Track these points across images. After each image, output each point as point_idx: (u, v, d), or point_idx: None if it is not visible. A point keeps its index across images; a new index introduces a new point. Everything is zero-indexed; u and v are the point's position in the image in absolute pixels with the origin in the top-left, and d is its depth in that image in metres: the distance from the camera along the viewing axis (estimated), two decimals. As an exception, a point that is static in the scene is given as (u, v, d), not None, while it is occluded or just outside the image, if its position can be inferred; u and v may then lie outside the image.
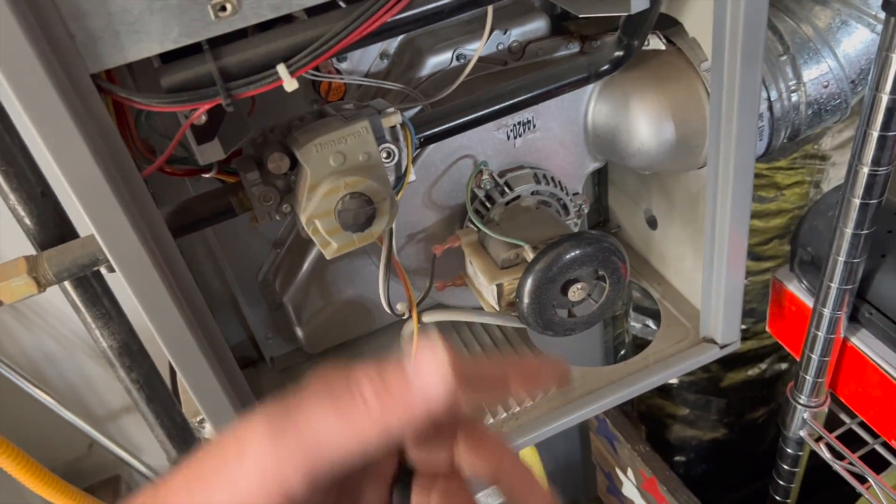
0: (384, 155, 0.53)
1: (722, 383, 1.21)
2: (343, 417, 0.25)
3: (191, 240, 0.72)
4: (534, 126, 0.67)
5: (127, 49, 0.40)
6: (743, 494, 1.35)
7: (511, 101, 0.60)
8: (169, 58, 0.43)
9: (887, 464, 0.73)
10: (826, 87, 0.62)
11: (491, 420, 0.71)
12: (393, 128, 0.54)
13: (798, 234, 0.70)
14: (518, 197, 0.67)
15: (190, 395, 0.55)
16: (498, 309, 0.64)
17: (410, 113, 0.62)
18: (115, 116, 0.44)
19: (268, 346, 0.81)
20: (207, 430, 0.65)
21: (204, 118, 0.44)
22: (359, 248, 0.71)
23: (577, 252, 0.59)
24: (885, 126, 0.52)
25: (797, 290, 0.73)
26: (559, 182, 0.69)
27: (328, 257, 0.52)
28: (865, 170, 0.55)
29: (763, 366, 1.21)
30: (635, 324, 1.12)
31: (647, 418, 1.25)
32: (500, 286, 0.62)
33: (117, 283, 0.49)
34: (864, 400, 0.70)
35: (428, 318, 0.64)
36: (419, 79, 0.65)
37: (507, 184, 0.67)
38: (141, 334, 0.60)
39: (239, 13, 0.41)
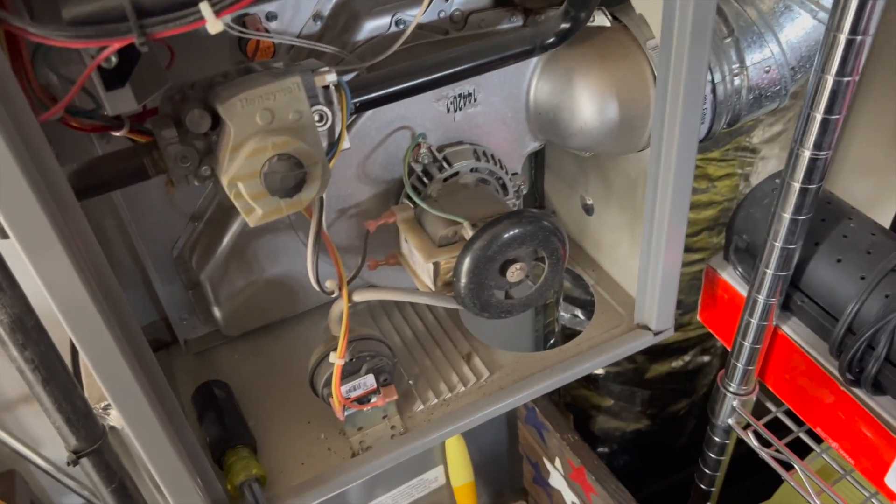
0: (317, 117, 0.49)
1: (647, 374, 1.22)
2: None
3: (99, 209, 0.66)
4: (475, 100, 0.64)
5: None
6: (663, 486, 1.37)
7: (452, 70, 0.57)
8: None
9: (810, 450, 0.74)
10: (768, 72, 0.62)
11: (422, 406, 0.68)
12: (326, 88, 0.50)
13: (734, 222, 0.70)
14: (457, 173, 0.64)
15: (94, 379, 0.49)
16: (433, 289, 0.61)
17: (346, 78, 0.58)
18: (7, 51, 0.38)
19: (182, 328, 0.75)
20: (113, 416, 0.60)
21: (114, 59, 0.39)
22: (285, 223, 0.68)
23: (518, 230, 0.57)
24: (829, 109, 0.52)
25: (731, 277, 0.73)
26: (499, 160, 0.66)
27: (252, 224, 0.47)
28: (807, 153, 0.54)
29: (686, 358, 1.23)
30: (564, 314, 1.11)
31: (572, 409, 1.25)
32: (436, 265, 0.59)
33: (11, 250, 0.43)
34: (791, 388, 0.70)
35: (359, 296, 0.60)
36: (355, 43, 0.61)
37: (445, 159, 0.64)
38: (38, 309, 0.54)
39: (157, -59, 0.37)
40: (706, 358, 1.25)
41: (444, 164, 0.63)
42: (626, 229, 0.75)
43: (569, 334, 1.13)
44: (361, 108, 0.56)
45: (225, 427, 0.65)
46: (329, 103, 0.50)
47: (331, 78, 0.48)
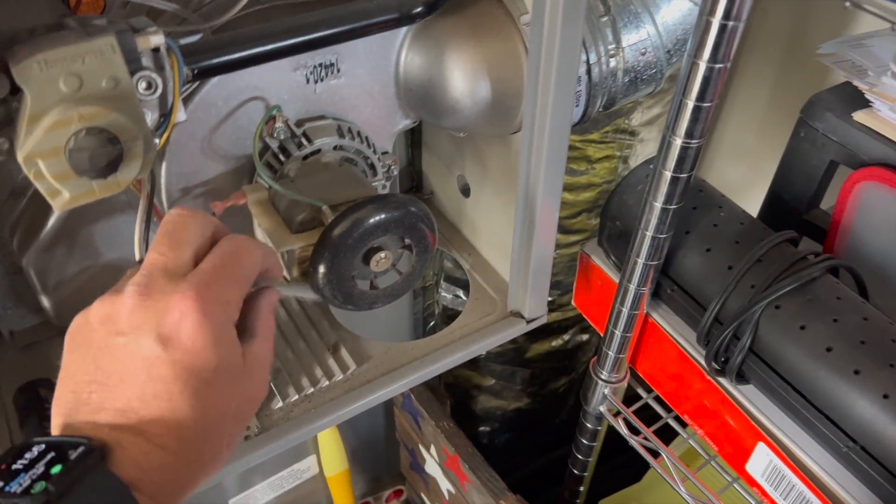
0: (143, 86, 0.43)
1: (527, 354, 1.22)
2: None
3: None
4: (338, 70, 0.58)
5: None
6: (543, 463, 1.39)
7: (308, 37, 0.51)
8: None
9: (677, 435, 0.74)
10: (644, 54, 0.60)
11: (280, 403, 0.63)
12: (156, 52, 0.43)
13: (608, 208, 0.68)
14: (318, 151, 0.59)
15: None
16: (289, 279, 0.55)
17: (186, 41, 0.51)
18: None
19: (6, 318, 0.66)
20: None
21: None
22: (121, 201, 0.60)
23: (382, 216, 0.52)
24: (701, 96, 0.50)
25: (604, 264, 0.71)
26: (366, 138, 0.61)
27: (57, 209, 0.40)
28: (678, 141, 0.53)
29: (566, 337, 1.24)
30: (446, 294, 1.08)
31: (453, 389, 1.23)
32: (290, 252, 0.53)
33: None
34: (660, 376, 0.70)
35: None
36: (200, 1, 0.54)
37: (305, 135, 0.58)
38: None
39: None
40: (585, 336, 1.26)
41: (304, 141, 0.58)
42: (502, 212, 0.72)
43: (451, 315, 1.10)
44: (203, 75, 0.49)
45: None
46: (160, 69, 0.44)
47: (157, 39, 0.42)
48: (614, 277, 0.70)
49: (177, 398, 0.35)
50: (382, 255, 0.54)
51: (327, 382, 0.65)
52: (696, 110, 0.51)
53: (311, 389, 0.64)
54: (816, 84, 0.84)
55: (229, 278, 0.38)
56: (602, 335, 0.75)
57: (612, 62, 0.59)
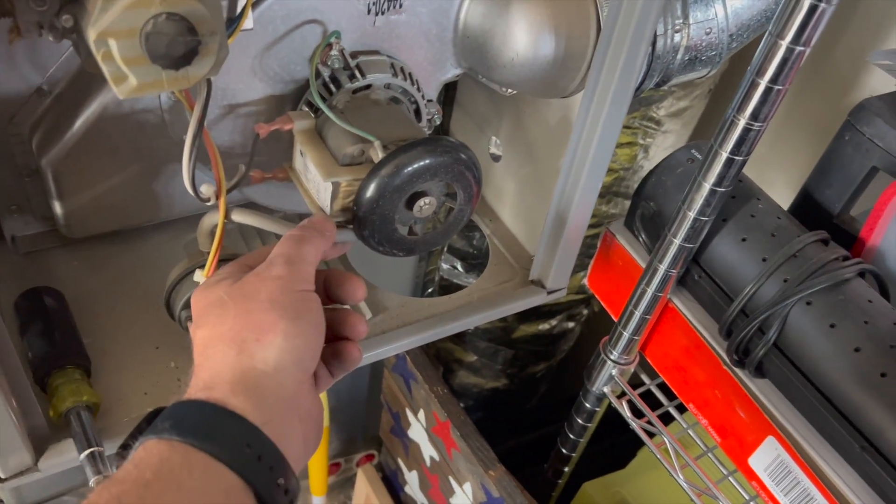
0: (219, -18, 0.40)
1: (514, 334, 1.21)
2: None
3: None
4: (400, 5, 0.56)
5: None
6: (511, 446, 1.39)
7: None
8: None
9: (674, 425, 0.74)
10: (708, 33, 0.59)
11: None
12: (235, -52, 0.40)
13: (643, 188, 0.68)
14: (369, 87, 0.57)
15: None
16: (328, 213, 0.53)
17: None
18: None
19: (10, 221, 0.63)
20: None
21: None
22: (155, 113, 0.57)
23: (433, 160, 0.50)
24: (775, 78, 0.49)
25: (629, 244, 0.70)
26: (416, 80, 0.59)
27: (122, 96, 0.38)
28: (742, 122, 0.52)
29: (553, 322, 1.23)
30: (444, 264, 1.07)
31: (436, 361, 1.22)
32: (336, 185, 0.51)
33: None
34: (670, 362, 0.70)
35: (239, 216, 0.51)
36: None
37: (359, 67, 0.56)
38: None
39: None
40: (571, 324, 1.25)
41: (357, 74, 0.56)
42: (533, 180, 0.70)
43: (445, 286, 1.09)
44: (271, -15, 0.47)
45: (53, 343, 0.54)
46: (235, -33, 0.41)
47: (245, -68, 0.39)
48: (639, 259, 0.70)
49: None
50: (426, 200, 0.53)
51: (342, 328, 0.63)
52: (767, 91, 0.50)
53: (326, 333, 0.62)
54: (835, 95, 0.84)
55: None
56: (614, 316, 0.74)
57: (677, 37, 0.58)
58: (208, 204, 0.49)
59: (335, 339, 0.49)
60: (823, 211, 0.68)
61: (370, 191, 0.50)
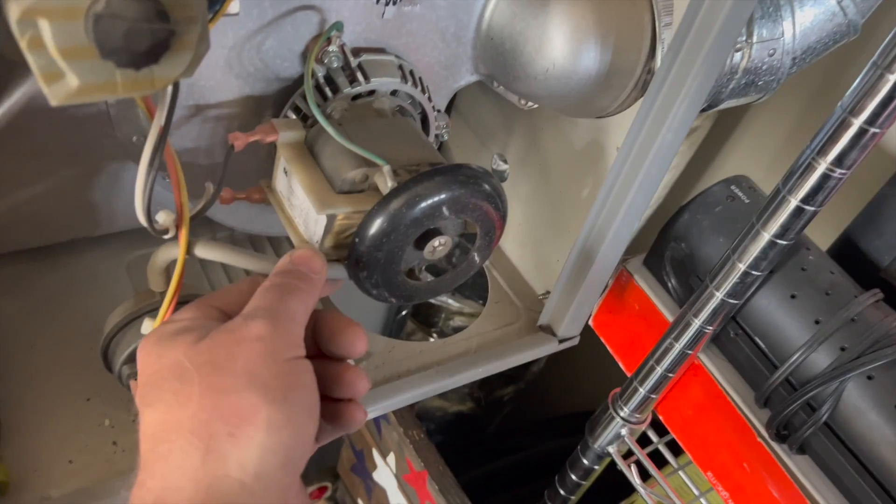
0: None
1: (485, 357, 1.12)
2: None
3: None
4: (417, -4, 0.45)
5: None
6: (473, 475, 1.30)
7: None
8: None
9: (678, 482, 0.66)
10: (771, 55, 0.50)
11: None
12: None
13: (672, 227, 0.59)
14: (373, 92, 0.46)
15: None
16: (318, 249, 0.42)
17: None
18: None
19: None
20: None
21: None
22: (99, 108, 0.45)
23: (455, 193, 0.40)
24: (873, 119, 0.41)
25: (649, 287, 0.62)
26: (427, 88, 0.49)
27: (54, 103, 0.26)
28: (823, 167, 0.44)
29: (526, 345, 1.15)
30: (420, 282, 0.96)
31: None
32: (331, 217, 0.40)
33: None
34: (688, 424, 0.61)
35: (203, 252, 0.39)
36: None
37: (361, 68, 0.45)
38: None
39: None
40: (543, 346, 1.17)
41: (359, 76, 0.45)
42: (547, 209, 0.61)
43: (423, 309, 0.99)
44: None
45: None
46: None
47: None
48: (660, 305, 0.61)
49: None
50: (441, 240, 0.42)
51: (318, 379, 0.52)
52: (861, 134, 0.42)
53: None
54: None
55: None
56: (620, 362, 0.66)
57: (737, 56, 0.49)
58: (166, 237, 0.38)
59: (326, 398, 0.38)
60: (868, 262, 0.60)
61: (376, 227, 0.39)
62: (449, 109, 0.69)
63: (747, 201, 0.58)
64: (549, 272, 0.61)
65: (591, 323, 0.71)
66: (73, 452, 0.45)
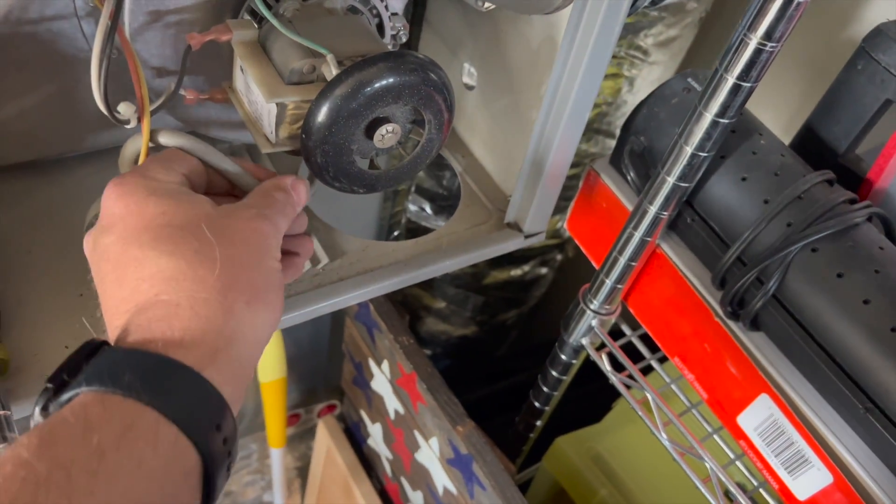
0: None
1: (484, 280, 1.16)
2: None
3: None
4: None
5: None
6: (479, 395, 1.35)
7: None
8: None
9: (655, 378, 0.69)
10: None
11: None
12: None
13: (632, 121, 0.61)
14: (322, -8, 0.48)
15: None
16: (273, 141, 0.46)
17: None
18: None
19: None
20: None
21: None
22: (69, 21, 0.48)
23: (398, 79, 0.43)
24: (792, -6, 0.42)
25: (615, 184, 0.64)
26: (379, -11, 0.51)
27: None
28: (754, 42, 0.45)
29: (526, 268, 1.18)
30: (412, 205, 1.00)
31: (400, 308, 1.16)
32: (281, 106, 0.43)
33: None
34: (655, 313, 0.64)
35: (166, 139, 0.43)
36: None
37: (309, -32, 0.47)
38: None
39: None
40: (543, 270, 1.20)
41: (308, -24, 0.47)
42: (512, 111, 0.63)
43: (413, 229, 1.02)
44: None
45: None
46: None
47: None
48: (625, 200, 0.63)
49: None
50: (389, 128, 0.45)
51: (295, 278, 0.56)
52: (786, 5, 0.43)
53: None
54: (834, 28, 0.78)
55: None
56: (595, 263, 0.68)
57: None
58: (128, 127, 0.41)
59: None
60: (827, 149, 0.62)
61: (322, 115, 0.42)
62: (420, 20, 0.71)
63: (702, 92, 0.59)
64: (517, 173, 0.63)
65: (562, 227, 0.74)
66: (69, 339, 0.50)
